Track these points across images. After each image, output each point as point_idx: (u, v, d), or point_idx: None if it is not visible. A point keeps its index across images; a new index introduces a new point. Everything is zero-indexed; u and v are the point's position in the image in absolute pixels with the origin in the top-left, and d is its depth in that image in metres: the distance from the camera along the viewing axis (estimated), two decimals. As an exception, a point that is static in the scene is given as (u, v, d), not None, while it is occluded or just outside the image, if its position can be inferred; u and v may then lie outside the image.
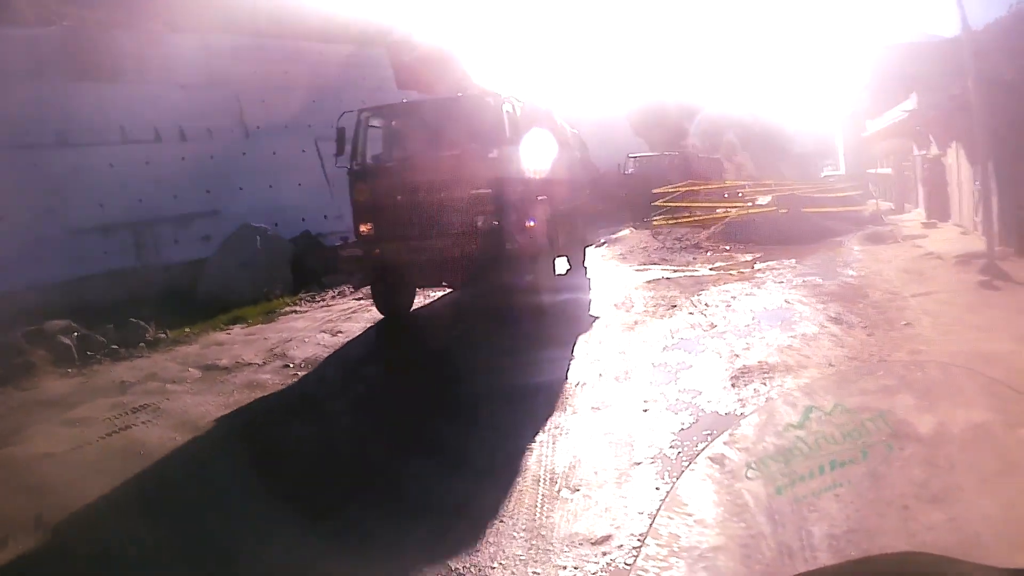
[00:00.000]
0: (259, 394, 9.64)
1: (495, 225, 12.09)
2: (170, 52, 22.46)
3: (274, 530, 5.59)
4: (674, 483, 2.39)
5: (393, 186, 12.62)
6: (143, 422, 8.65)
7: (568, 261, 17.29)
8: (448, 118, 13.28)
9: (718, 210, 27.14)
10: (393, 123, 14.24)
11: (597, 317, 12.51)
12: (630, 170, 34.00)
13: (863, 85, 36.61)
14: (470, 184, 12.19)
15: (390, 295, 13.83)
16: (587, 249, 19.69)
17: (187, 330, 13.76)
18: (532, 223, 12.69)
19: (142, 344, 12.55)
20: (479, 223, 12.11)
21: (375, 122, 13.72)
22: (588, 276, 17.58)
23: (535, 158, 13.67)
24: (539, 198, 13.35)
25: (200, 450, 7.75)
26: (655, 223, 26.93)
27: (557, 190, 15.28)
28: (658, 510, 2.21)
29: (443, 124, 13.21)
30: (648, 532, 2.14)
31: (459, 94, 14.04)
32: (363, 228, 12.83)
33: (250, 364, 11.16)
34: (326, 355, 11.46)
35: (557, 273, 15.67)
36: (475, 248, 12.08)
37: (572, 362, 9.94)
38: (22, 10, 20.21)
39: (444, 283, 14.25)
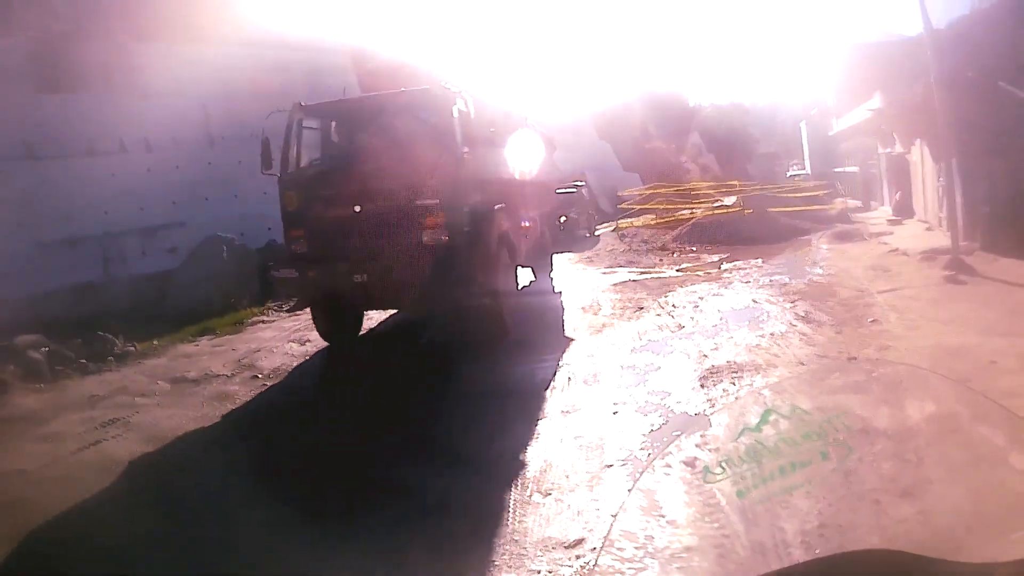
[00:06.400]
0: (229, 406, 9.56)
1: (444, 241, 10.79)
2: (134, 62, 22.27)
3: (252, 542, 5.53)
4: (635, 482, 2.38)
5: (329, 197, 11.23)
6: (114, 436, 8.55)
7: (533, 272, 16.62)
8: (391, 116, 11.91)
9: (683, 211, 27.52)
10: (331, 123, 12.87)
11: (572, 340, 11.43)
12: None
13: (828, 85, 37.01)
14: (416, 194, 10.84)
15: (332, 319, 12.55)
16: (554, 258, 18.58)
17: (155, 342, 13.63)
18: (488, 235, 11.45)
19: (111, 358, 12.41)
20: (426, 239, 10.79)
21: (310, 123, 12.41)
22: (557, 289, 16.44)
23: (493, 161, 12.77)
24: (496, 207, 12.02)
25: (171, 463, 7.68)
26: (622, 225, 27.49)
27: (519, 196, 14.15)
28: (619, 509, 2.21)
29: (384, 124, 11.86)
30: (609, 531, 2.14)
31: (403, 89, 12.63)
32: (296, 244, 11.51)
33: (219, 376, 11.07)
34: (295, 364, 11.39)
35: (520, 286, 14.54)
36: (423, 267, 10.76)
37: (541, 366, 9.94)
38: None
39: (392, 308, 13.53)
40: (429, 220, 10.72)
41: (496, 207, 11.95)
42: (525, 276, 15.87)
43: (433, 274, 10.63)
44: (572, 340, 11.30)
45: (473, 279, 10.77)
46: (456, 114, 11.30)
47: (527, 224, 14.53)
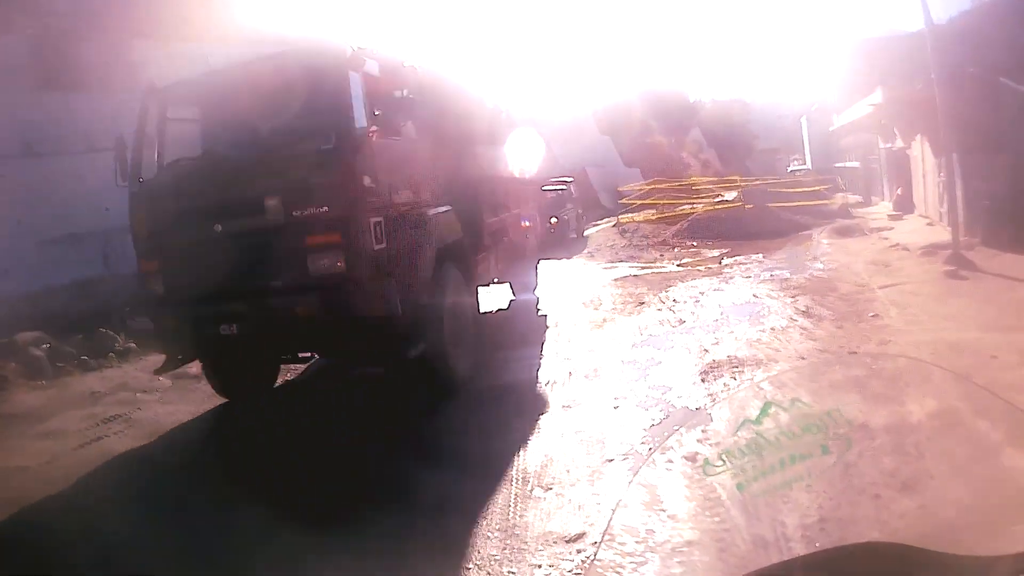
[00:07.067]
0: (230, 401, 9.55)
1: (340, 268, 7.28)
2: (135, 60, 22.25)
3: (254, 538, 5.51)
4: (635, 477, 2.38)
5: (184, 214, 7.87)
6: (116, 433, 8.58)
7: (511, 288, 12.87)
8: (267, 92, 8.17)
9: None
10: (200, 109, 9.53)
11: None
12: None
13: (829, 81, 36.96)
14: (294, 200, 7.36)
15: (228, 371, 9.35)
16: (539, 268, 14.90)
17: (156, 339, 13.62)
18: (419, 253, 7.98)
19: (112, 354, 12.42)
20: (313, 267, 7.34)
21: (175, 111, 9.44)
22: (542, 311, 13.46)
23: (440, 151, 9.32)
24: (435, 211, 8.69)
25: (173, 460, 7.67)
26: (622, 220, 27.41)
27: (485, 196, 10.73)
28: (619, 504, 2.21)
29: (260, 104, 8.24)
30: (609, 525, 2.14)
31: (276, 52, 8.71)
32: (150, 282, 8.35)
33: (220, 372, 11.05)
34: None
35: (488, 310, 11.80)
36: (315, 310, 7.24)
37: (542, 360, 9.93)
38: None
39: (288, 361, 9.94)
40: (316, 239, 7.31)
41: (435, 211, 8.70)
42: (503, 295, 12.96)
43: (330, 319, 7.29)
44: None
45: (392, 322, 7.36)
46: (357, 83, 7.67)
47: (499, 230, 11.61)
